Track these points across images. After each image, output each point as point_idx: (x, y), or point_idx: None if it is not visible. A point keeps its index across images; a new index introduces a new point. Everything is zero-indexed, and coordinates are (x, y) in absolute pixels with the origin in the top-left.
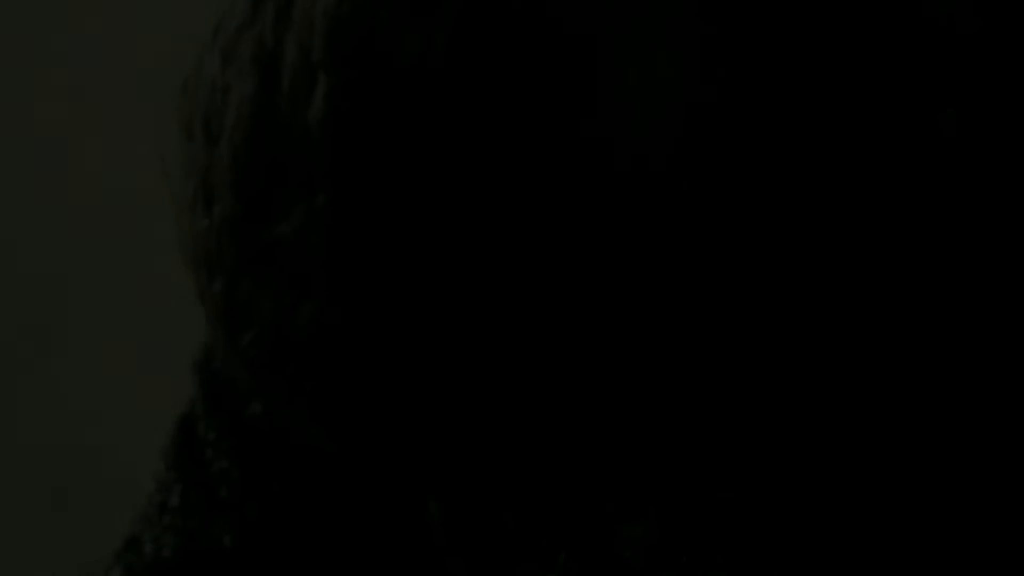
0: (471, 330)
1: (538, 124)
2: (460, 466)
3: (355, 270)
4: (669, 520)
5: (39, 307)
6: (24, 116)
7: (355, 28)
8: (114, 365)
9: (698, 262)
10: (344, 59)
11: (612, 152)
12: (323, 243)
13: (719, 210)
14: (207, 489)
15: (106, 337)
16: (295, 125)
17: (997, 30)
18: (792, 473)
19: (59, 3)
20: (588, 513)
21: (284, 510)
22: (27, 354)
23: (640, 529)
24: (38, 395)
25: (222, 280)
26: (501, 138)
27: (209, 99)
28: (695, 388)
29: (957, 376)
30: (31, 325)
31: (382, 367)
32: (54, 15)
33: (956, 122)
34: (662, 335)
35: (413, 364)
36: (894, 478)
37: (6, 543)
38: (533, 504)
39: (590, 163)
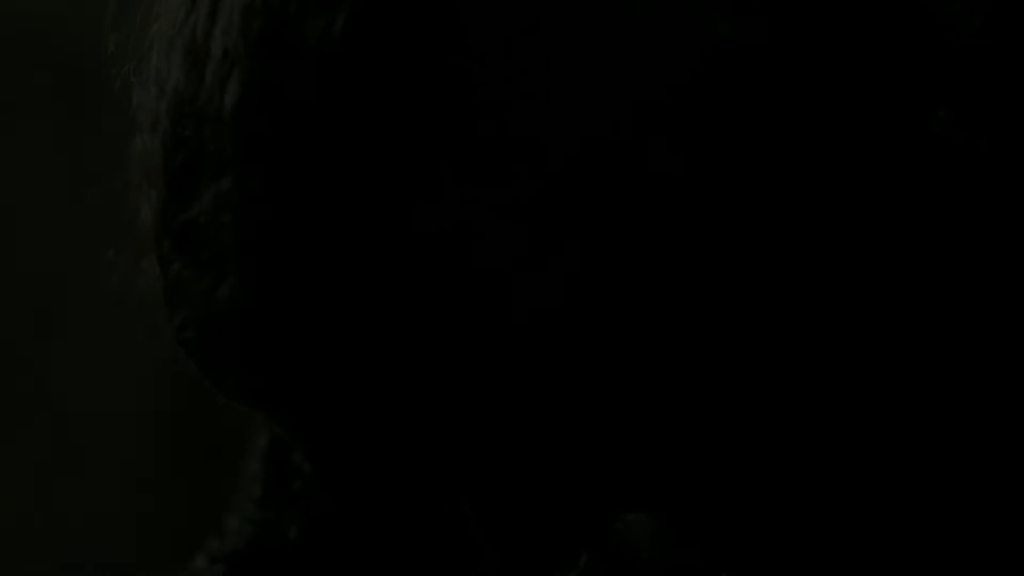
0: (383, 312)
1: (432, 110)
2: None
3: (263, 251)
4: (680, 517)
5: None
6: None
7: (265, 18)
8: None
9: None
10: (254, 48)
11: (514, 136)
12: (233, 224)
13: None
14: (283, 482)
15: None
16: (211, 113)
17: (996, 34)
18: (794, 471)
19: None
20: (589, 502)
21: (349, 503)
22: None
23: (651, 525)
24: None
25: (160, 264)
26: (397, 121)
27: (154, 89)
28: (692, 384)
29: (951, 375)
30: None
31: (297, 347)
32: None
33: (948, 122)
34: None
35: (328, 345)
36: (895, 475)
37: None
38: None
39: (487, 144)
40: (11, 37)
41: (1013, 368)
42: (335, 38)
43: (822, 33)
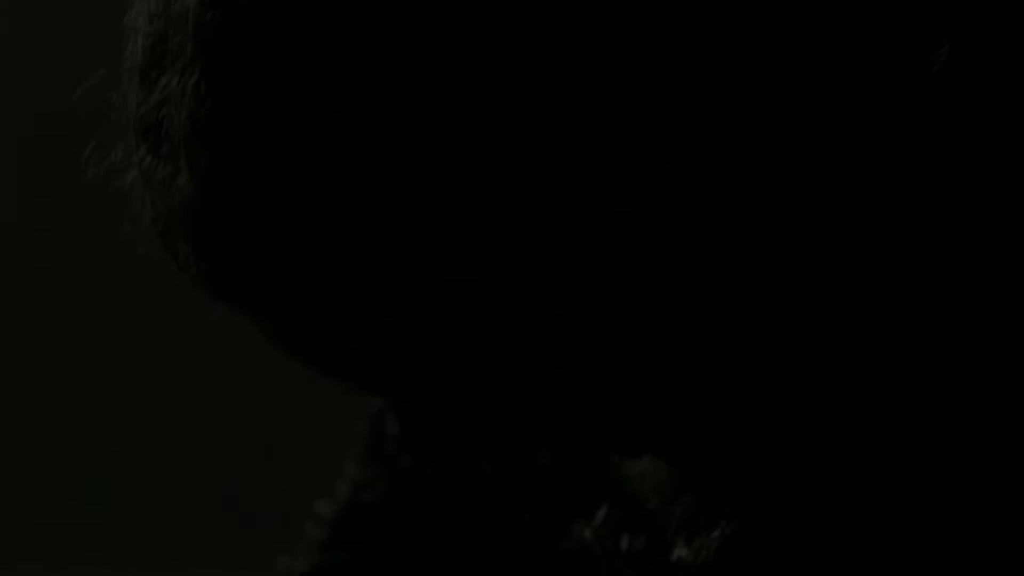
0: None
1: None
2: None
3: (208, 145)
4: (687, 461)
5: None
6: None
7: None
8: None
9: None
10: None
11: None
12: (185, 118)
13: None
14: (379, 443)
15: None
16: (177, 11)
17: None
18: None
19: None
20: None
21: (429, 463)
22: None
23: (660, 477)
24: None
25: (135, 157)
26: (334, 39)
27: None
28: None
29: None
30: None
31: (239, 242)
32: None
33: (950, 55)
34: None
35: (266, 243)
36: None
37: None
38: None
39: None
40: None
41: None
42: None
43: None
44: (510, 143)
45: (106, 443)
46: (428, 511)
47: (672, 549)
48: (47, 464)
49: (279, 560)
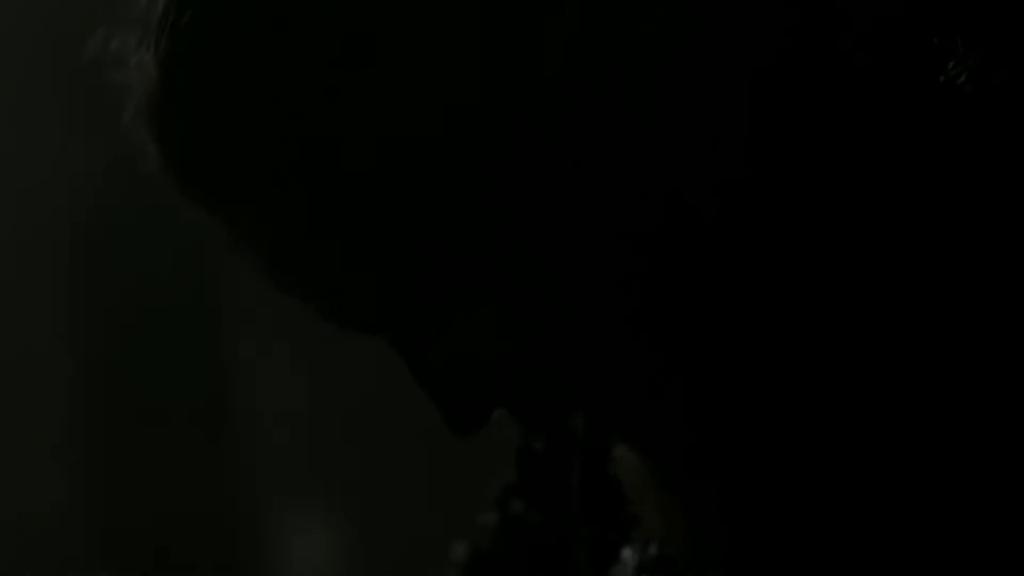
0: None
1: None
2: None
3: (171, 32)
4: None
5: None
6: None
7: None
8: None
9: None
10: None
11: None
12: (161, 6)
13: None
14: (501, 493)
15: None
16: None
17: None
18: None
19: None
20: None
21: (535, 508)
22: None
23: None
24: None
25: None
26: None
27: None
28: None
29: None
30: None
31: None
32: None
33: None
34: None
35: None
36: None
37: None
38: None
39: None
40: None
41: None
42: None
43: None
44: None
45: None
46: (530, 557)
47: None
48: None
49: None
